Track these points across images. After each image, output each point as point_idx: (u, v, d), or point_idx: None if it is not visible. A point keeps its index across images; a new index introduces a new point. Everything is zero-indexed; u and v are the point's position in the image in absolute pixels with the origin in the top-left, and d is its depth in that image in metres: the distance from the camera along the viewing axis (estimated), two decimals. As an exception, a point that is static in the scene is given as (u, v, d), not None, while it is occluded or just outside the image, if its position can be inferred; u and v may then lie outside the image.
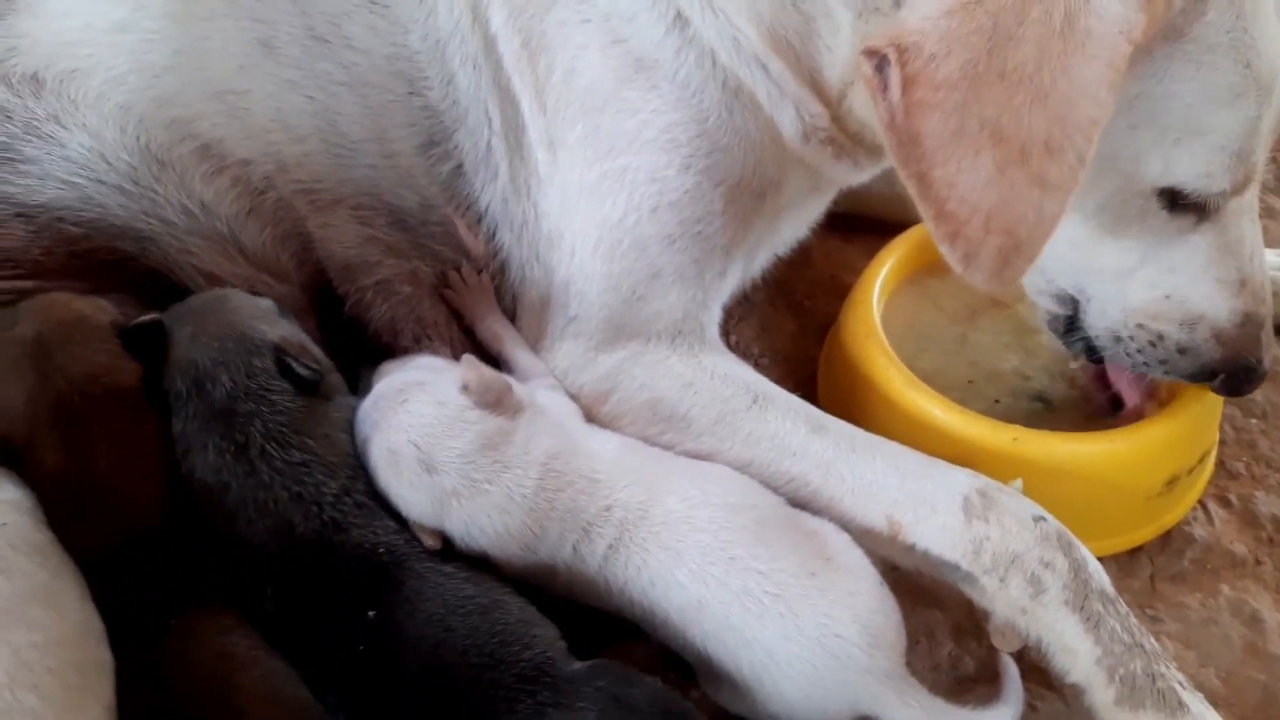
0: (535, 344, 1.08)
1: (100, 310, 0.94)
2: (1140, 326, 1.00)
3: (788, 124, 1.03)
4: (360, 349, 1.09)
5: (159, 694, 0.81)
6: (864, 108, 0.99)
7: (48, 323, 0.90)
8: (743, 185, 1.05)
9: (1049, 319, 1.10)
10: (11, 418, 0.86)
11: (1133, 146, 0.88)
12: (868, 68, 0.80)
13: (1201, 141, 0.88)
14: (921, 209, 0.82)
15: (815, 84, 1.01)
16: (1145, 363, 1.02)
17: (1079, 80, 0.77)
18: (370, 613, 0.84)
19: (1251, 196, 0.96)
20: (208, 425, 0.88)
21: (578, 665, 0.84)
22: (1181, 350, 0.99)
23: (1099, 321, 1.03)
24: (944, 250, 0.83)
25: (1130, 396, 1.09)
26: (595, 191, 1.03)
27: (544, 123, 1.05)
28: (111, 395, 0.89)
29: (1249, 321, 0.98)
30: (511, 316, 1.12)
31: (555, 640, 0.86)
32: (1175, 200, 0.92)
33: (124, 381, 0.90)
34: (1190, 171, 0.90)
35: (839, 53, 0.98)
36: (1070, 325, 1.07)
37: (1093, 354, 1.07)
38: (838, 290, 1.39)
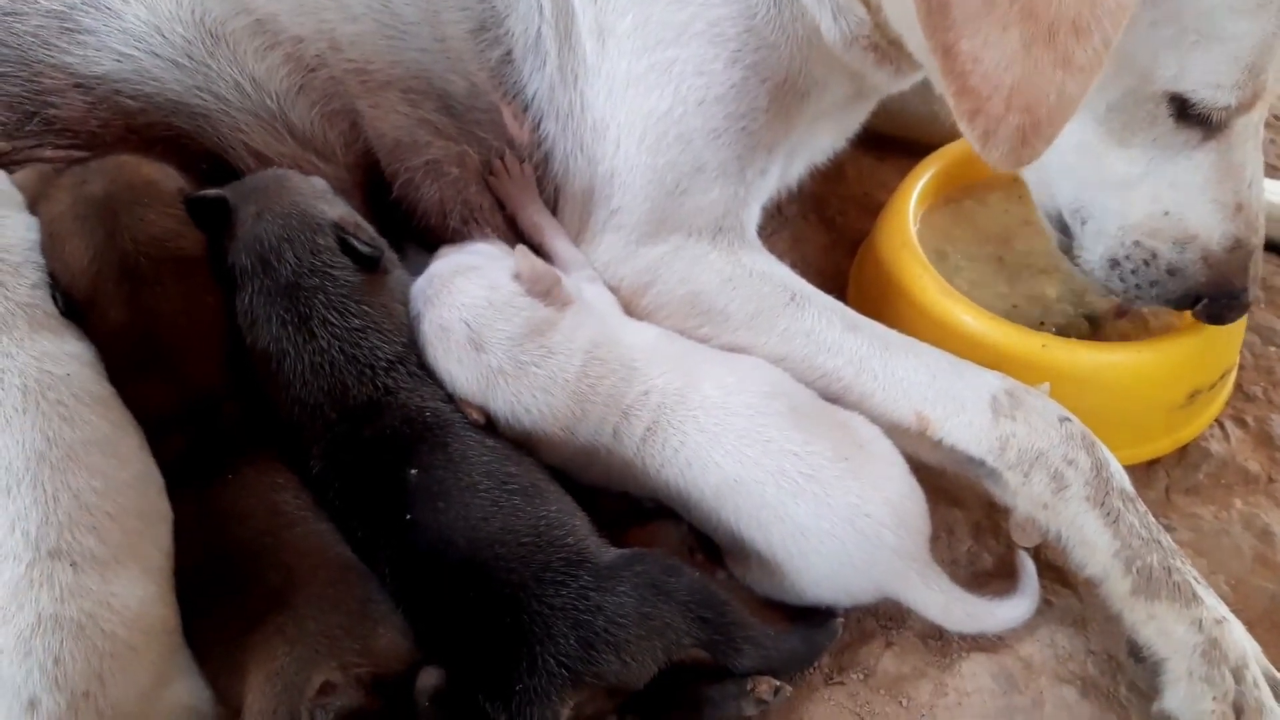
0: (576, 235, 1.10)
1: (169, 177, 0.96)
2: (1136, 244, 1.00)
3: (830, 27, 1.03)
4: (405, 231, 1.11)
5: (212, 544, 0.85)
6: (899, 13, 0.98)
7: (117, 183, 0.92)
8: (788, 84, 1.06)
9: (1057, 242, 1.08)
10: (76, 272, 0.89)
11: (1151, 44, 0.88)
12: None
13: (1218, 48, 0.87)
14: (945, 82, 0.82)
15: None
16: (1137, 285, 1.01)
17: None
18: (412, 470, 0.87)
19: (1258, 119, 0.95)
20: (273, 299, 0.91)
21: (614, 552, 0.87)
22: (1171, 271, 1.00)
23: (1095, 245, 1.02)
24: (963, 126, 0.83)
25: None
26: (642, 82, 1.04)
27: (594, 12, 1.05)
28: (176, 260, 0.92)
29: (1239, 247, 0.98)
30: (553, 207, 1.13)
31: (591, 530, 0.89)
32: (1184, 109, 0.92)
33: (189, 249, 0.93)
34: (1202, 78, 0.89)
35: None
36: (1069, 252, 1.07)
37: None
38: (870, 207, 1.40)
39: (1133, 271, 1.01)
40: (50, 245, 0.89)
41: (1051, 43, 0.78)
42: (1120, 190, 0.98)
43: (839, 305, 1.05)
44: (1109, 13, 0.78)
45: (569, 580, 0.82)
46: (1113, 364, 1.06)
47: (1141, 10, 0.79)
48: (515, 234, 1.12)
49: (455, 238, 1.10)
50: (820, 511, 0.89)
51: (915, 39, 0.96)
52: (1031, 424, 0.95)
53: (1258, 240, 0.99)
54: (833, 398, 0.99)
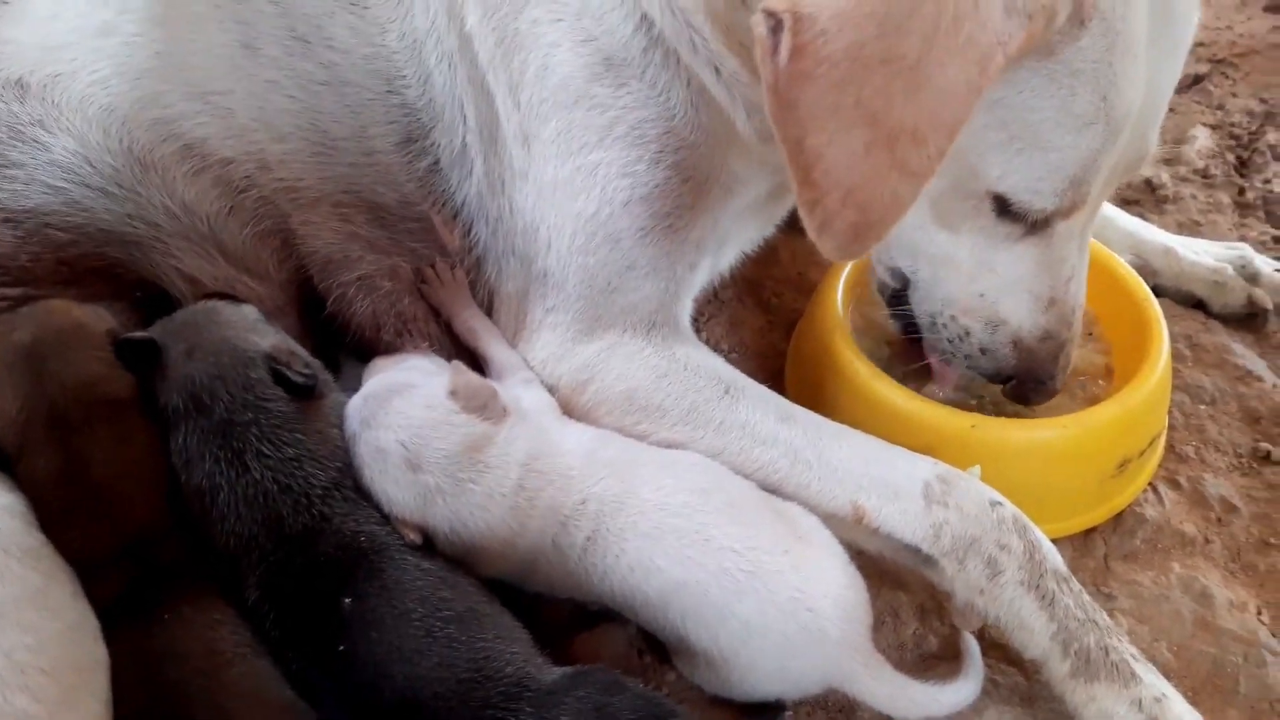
0: (513, 336, 1.12)
1: (99, 319, 0.96)
2: (953, 317, 1.05)
3: (744, 124, 1.05)
4: (340, 343, 1.11)
5: (150, 687, 0.84)
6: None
7: (45, 329, 0.92)
8: (711, 180, 1.08)
9: (879, 286, 1.14)
10: (5, 422, 0.88)
11: (980, 145, 0.90)
12: (763, 28, 0.80)
13: (1042, 157, 0.90)
14: (791, 172, 0.84)
15: None
16: (953, 352, 1.07)
17: (953, 80, 0.79)
18: (346, 599, 0.87)
19: (1082, 223, 0.99)
20: (207, 438, 0.91)
21: (556, 674, 0.86)
22: (983, 350, 1.05)
23: (921, 303, 1.07)
24: (803, 214, 0.86)
25: (941, 373, 1.14)
26: (569, 186, 1.06)
27: (518, 119, 1.07)
28: (106, 404, 0.91)
29: (1049, 338, 1.03)
30: (488, 309, 1.15)
31: (531, 650, 0.89)
32: (1004, 207, 0.95)
33: (118, 392, 0.93)
34: (1022, 182, 0.92)
35: None
36: (896, 299, 1.11)
37: (909, 329, 1.11)
38: (804, 287, 1.44)
39: (949, 340, 1.06)
40: (-20, 396, 0.89)
41: (891, 149, 0.81)
42: (944, 266, 1.03)
43: (773, 395, 1.07)
44: (945, 125, 0.81)
45: (510, 715, 0.82)
46: (1042, 440, 1.08)
47: (975, 114, 0.82)
48: (452, 339, 1.13)
49: (390, 349, 1.11)
50: (763, 609, 0.90)
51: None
52: (964, 510, 0.97)
53: (1070, 334, 1.04)
54: (771, 489, 1.01)
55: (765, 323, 1.40)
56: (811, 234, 0.85)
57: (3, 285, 1.03)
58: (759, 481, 1.01)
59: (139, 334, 0.95)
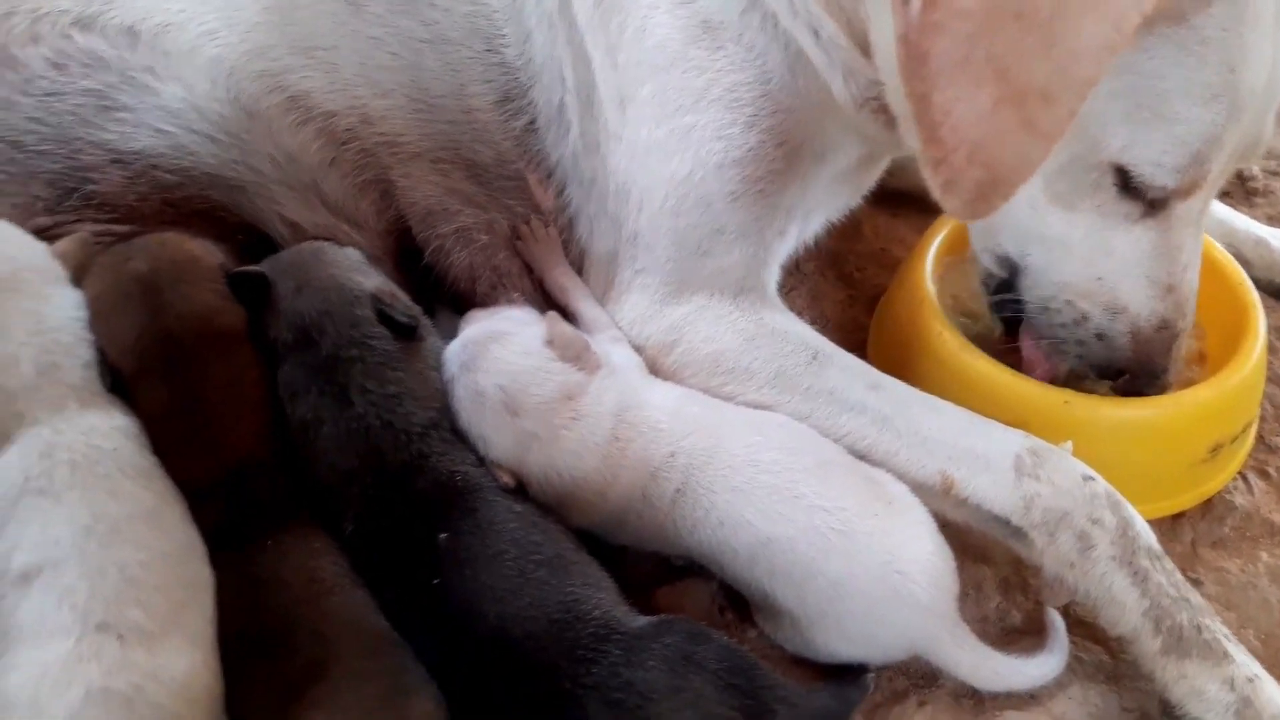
0: (602, 296, 1.12)
1: (210, 253, 0.99)
2: (1069, 302, 1.03)
3: (840, 90, 1.05)
4: (434, 296, 1.13)
5: (252, 611, 0.86)
6: (884, 62, 0.99)
7: (160, 260, 0.95)
8: (804, 146, 1.08)
9: (984, 276, 1.12)
10: (122, 350, 0.91)
11: (1105, 114, 0.90)
12: None
13: (1167, 129, 0.89)
14: (917, 129, 0.83)
15: (866, 49, 1.04)
16: (1064, 340, 1.05)
17: (1087, 37, 0.78)
18: (442, 535, 0.88)
19: (1199, 208, 0.97)
20: (314, 372, 0.93)
21: (642, 621, 0.87)
22: (1099, 336, 1.03)
23: (1033, 289, 1.05)
24: (927, 173, 0.85)
25: (1030, 363, 1.11)
26: (663, 148, 1.06)
27: (615, 80, 1.08)
28: (219, 335, 0.94)
29: (1166, 327, 1.01)
30: (579, 269, 1.16)
31: (617, 598, 0.90)
32: (1126, 181, 0.94)
33: (230, 324, 0.95)
34: (1146, 154, 0.91)
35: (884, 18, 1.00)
36: (1000, 287, 1.09)
37: (1009, 328, 1.10)
38: (887, 263, 1.43)
39: (1062, 325, 1.04)
40: (96, 323, 0.91)
41: (1020, 106, 0.80)
42: (1059, 249, 1.01)
43: (862, 364, 1.06)
44: (1076, 85, 0.80)
45: (598, 657, 0.83)
46: (1135, 420, 1.07)
47: (1104, 78, 0.81)
48: (543, 297, 1.14)
49: (484, 302, 1.12)
50: (853, 569, 0.90)
51: (894, 87, 0.99)
52: (1056, 484, 0.96)
53: (1184, 325, 1.02)
54: (857, 456, 1.00)
55: (847, 296, 1.39)
56: (935, 192, 0.85)
57: (112, 222, 1.06)
58: (846, 448, 1.01)
59: (252, 268, 0.97)
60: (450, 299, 1.13)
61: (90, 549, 0.80)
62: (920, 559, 0.92)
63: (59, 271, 0.93)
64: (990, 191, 0.83)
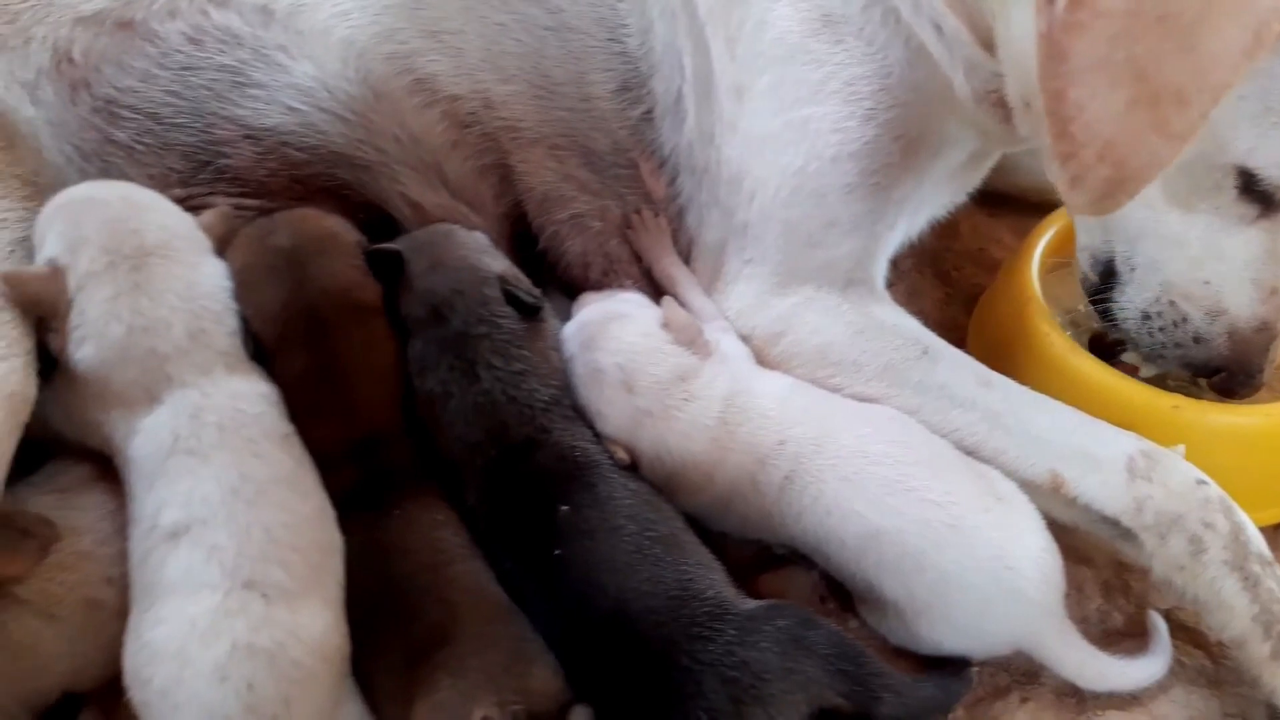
0: (709, 285, 1.14)
1: (348, 230, 1.02)
2: (1172, 304, 1.03)
3: (961, 84, 1.06)
4: (545, 280, 1.15)
5: (378, 576, 0.89)
6: (1007, 55, 1.00)
7: (303, 235, 0.98)
8: (920, 141, 1.09)
9: (1082, 279, 1.12)
10: (266, 319, 0.94)
11: (1234, 116, 0.90)
12: None
13: None
14: (1048, 125, 0.84)
15: (988, 44, 1.04)
16: (1163, 344, 1.05)
17: (1226, 43, 0.79)
18: (563, 507, 0.91)
19: None
20: (444, 347, 0.97)
21: (752, 604, 0.89)
22: (1197, 339, 1.03)
23: (1135, 295, 1.05)
24: (1055, 167, 0.86)
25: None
26: (778, 139, 1.07)
27: (733, 71, 1.10)
28: (356, 309, 0.97)
29: (1265, 329, 1.01)
30: (687, 258, 1.17)
31: (728, 579, 0.92)
32: (1248, 184, 0.94)
33: (368, 298, 0.99)
34: (1272, 157, 0.91)
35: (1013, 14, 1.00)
36: (1098, 291, 1.09)
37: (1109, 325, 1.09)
38: (985, 263, 1.44)
39: (1161, 329, 1.04)
40: (241, 292, 0.95)
41: (1154, 107, 0.81)
42: (1170, 249, 1.01)
43: (972, 361, 1.07)
44: (1211, 89, 0.81)
45: (715, 635, 0.84)
46: (1244, 426, 1.07)
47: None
48: (651, 285, 1.16)
49: (595, 288, 1.15)
50: (963, 562, 0.91)
51: (1015, 82, 1.00)
52: (1168, 486, 0.96)
53: None
54: (966, 452, 1.01)
55: (944, 295, 1.40)
56: (1061, 187, 0.86)
57: (243, 196, 1.10)
58: (955, 444, 1.01)
59: (388, 245, 1.01)
60: (561, 284, 1.16)
61: (237, 508, 0.83)
62: (1030, 555, 0.92)
63: (205, 242, 0.97)
64: (1117, 189, 0.84)
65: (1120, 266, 1.05)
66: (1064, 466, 0.99)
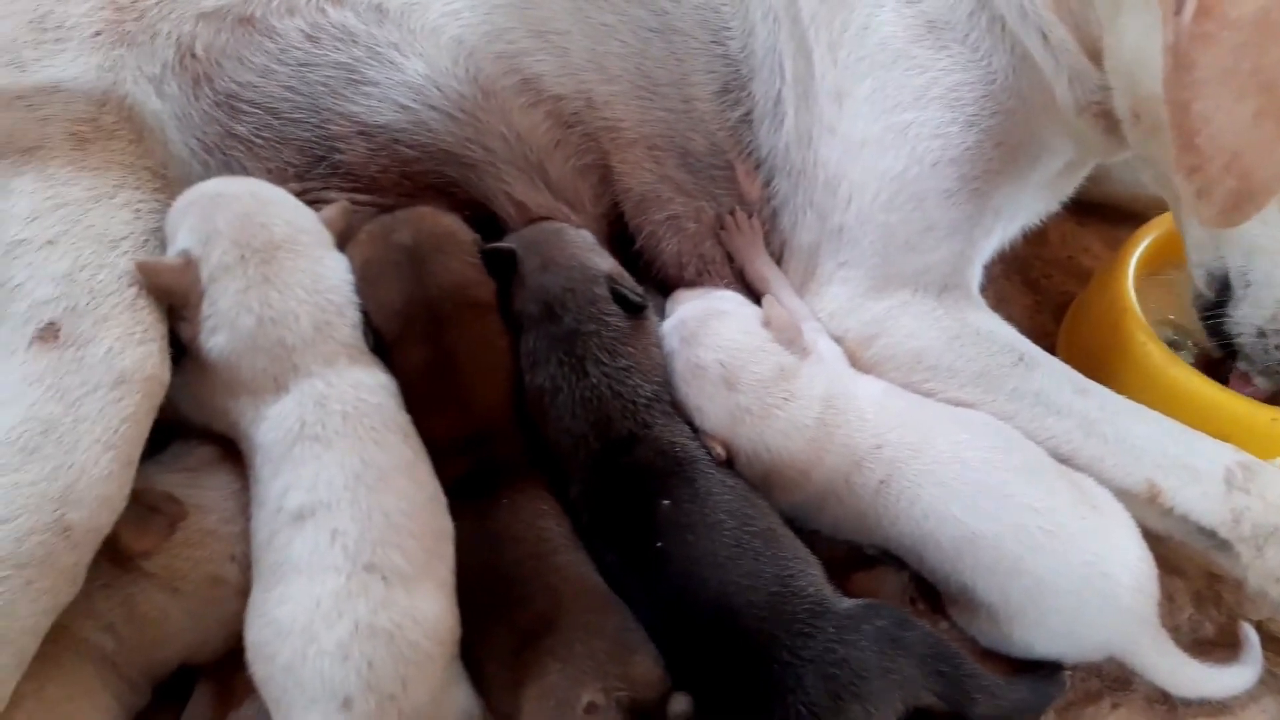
0: (801, 288, 1.15)
1: (463, 228, 1.06)
2: None
3: (1064, 93, 1.06)
4: (639, 281, 1.17)
5: (486, 563, 0.92)
6: (1121, 66, 1.00)
7: (422, 233, 1.02)
8: (1020, 148, 1.09)
9: (1194, 295, 1.10)
10: (387, 314, 0.98)
11: None
12: None
13: None
14: (1173, 135, 0.84)
15: (1094, 54, 1.05)
16: (1277, 362, 1.03)
17: None
18: (664, 501, 0.93)
19: None
20: (554, 343, 1.00)
21: (849, 603, 0.91)
22: None
23: (1250, 311, 1.03)
24: (1180, 179, 0.86)
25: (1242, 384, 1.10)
26: (878, 144, 1.09)
27: (834, 75, 1.11)
28: (473, 305, 1.01)
29: None
30: (779, 260, 1.19)
31: (825, 576, 0.94)
32: None
33: (484, 295, 1.02)
34: None
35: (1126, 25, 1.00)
36: (1212, 307, 1.08)
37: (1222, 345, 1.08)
38: (1074, 271, 1.44)
39: (1277, 346, 1.03)
40: (364, 287, 0.98)
41: None
42: None
43: (1067, 368, 1.08)
44: None
45: (815, 632, 0.86)
46: (1345, 440, 1.06)
47: None
48: (743, 286, 1.18)
49: (689, 287, 1.17)
50: (1059, 568, 0.92)
51: (1123, 95, 1.00)
52: (1267, 499, 0.96)
53: None
54: (1061, 460, 1.02)
55: (1033, 302, 1.40)
56: (1187, 200, 0.86)
57: (354, 191, 1.13)
58: (1049, 451, 1.02)
59: (503, 244, 1.04)
60: (656, 283, 1.18)
61: (359, 494, 0.86)
62: (1127, 562, 0.93)
63: (328, 236, 1.00)
64: (1244, 201, 0.85)
65: (1235, 282, 1.04)
66: (1161, 476, 0.99)
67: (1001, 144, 1.08)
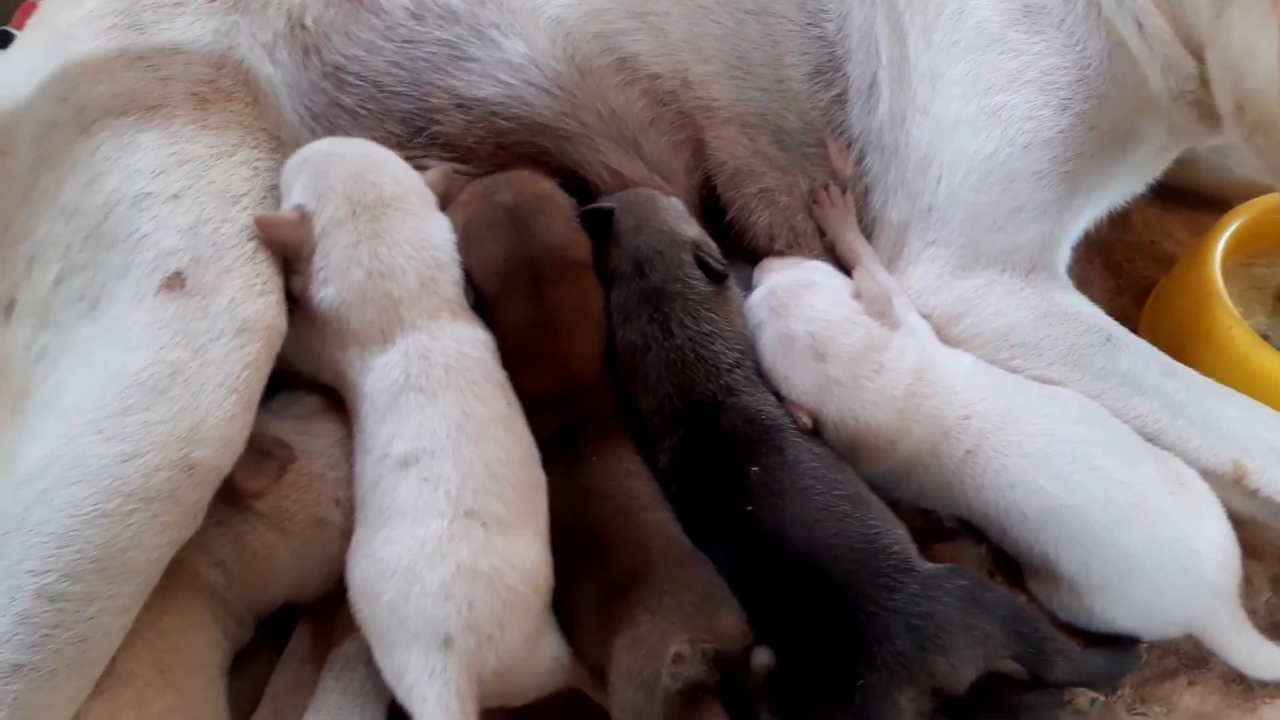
0: (889, 264, 1.17)
1: (559, 191, 1.09)
2: None
3: (1157, 81, 1.07)
4: (730, 252, 1.20)
5: (576, 516, 0.95)
6: (1224, 60, 1.00)
7: (524, 194, 1.05)
8: (1111, 133, 1.10)
9: None
10: (489, 272, 1.01)
11: None
12: None
13: None
14: None
15: (1189, 44, 1.05)
16: None
17: None
18: (754, 468, 0.95)
19: None
20: (643, 300, 1.02)
21: (930, 566, 0.92)
22: None
23: None
24: None
25: None
26: (971, 125, 1.10)
27: (929, 58, 1.13)
28: (572, 264, 1.04)
29: None
30: (867, 237, 1.20)
31: (910, 539, 0.95)
32: None
33: (581, 254, 1.05)
34: None
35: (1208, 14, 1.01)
36: None
37: None
38: (1157, 256, 1.43)
39: None
40: (466, 246, 1.02)
41: None
42: None
43: (1154, 350, 1.08)
44: None
45: (900, 586, 0.88)
46: None
47: None
48: (833, 260, 1.19)
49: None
50: (1145, 542, 0.93)
51: (1226, 87, 1.00)
52: None
53: None
54: (1147, 439, 1.02)
55: (1114, 286, 1.40)
56: None
57: (451, 160, 1.16)
58: (1136, 430, 1.03)
59: (602, 204, 1.07)
60: (747, 255, 1.20)
61: (461, 444, 0.90)
62: (1212, 539, 0.94)
63: (432, 197, 1.04)
64: None
65: None
66: (1247, 458, 1.00)
67: (1094, 128, 1.09)
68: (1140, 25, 1.05)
